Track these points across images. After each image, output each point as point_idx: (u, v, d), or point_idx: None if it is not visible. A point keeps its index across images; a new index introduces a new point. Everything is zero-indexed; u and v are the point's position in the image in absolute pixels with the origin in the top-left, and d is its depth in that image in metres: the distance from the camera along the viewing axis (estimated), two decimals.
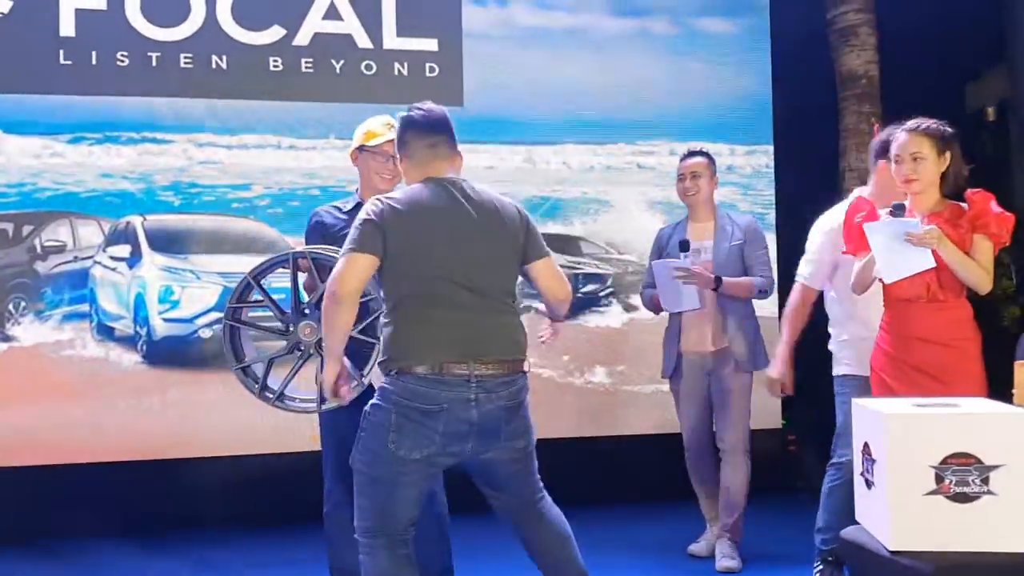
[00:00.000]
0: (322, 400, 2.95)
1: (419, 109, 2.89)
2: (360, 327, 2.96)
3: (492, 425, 2.78)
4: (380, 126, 3.32)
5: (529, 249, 2.86)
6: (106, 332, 4.72)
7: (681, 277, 3.94)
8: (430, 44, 5.03)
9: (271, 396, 3.07)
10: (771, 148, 5.46)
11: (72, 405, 4.61)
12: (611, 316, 5.27)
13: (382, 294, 2.84)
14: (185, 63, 4.76)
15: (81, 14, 4.63)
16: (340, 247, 2.79)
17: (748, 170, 5.40)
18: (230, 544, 4.51)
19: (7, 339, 4.58)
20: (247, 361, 3.11)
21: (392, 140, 3.14)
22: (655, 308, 4.18)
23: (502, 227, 2.82)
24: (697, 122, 5.32)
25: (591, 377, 5.21)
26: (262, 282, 3.13)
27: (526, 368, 2.89)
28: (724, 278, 4.00)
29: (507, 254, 2.84)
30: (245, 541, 4.55)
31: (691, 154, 4.21)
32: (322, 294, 2.99)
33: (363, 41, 4.95)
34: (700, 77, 5.37)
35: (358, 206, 3.11)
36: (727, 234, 4.09)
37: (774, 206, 5.42)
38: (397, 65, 4.99)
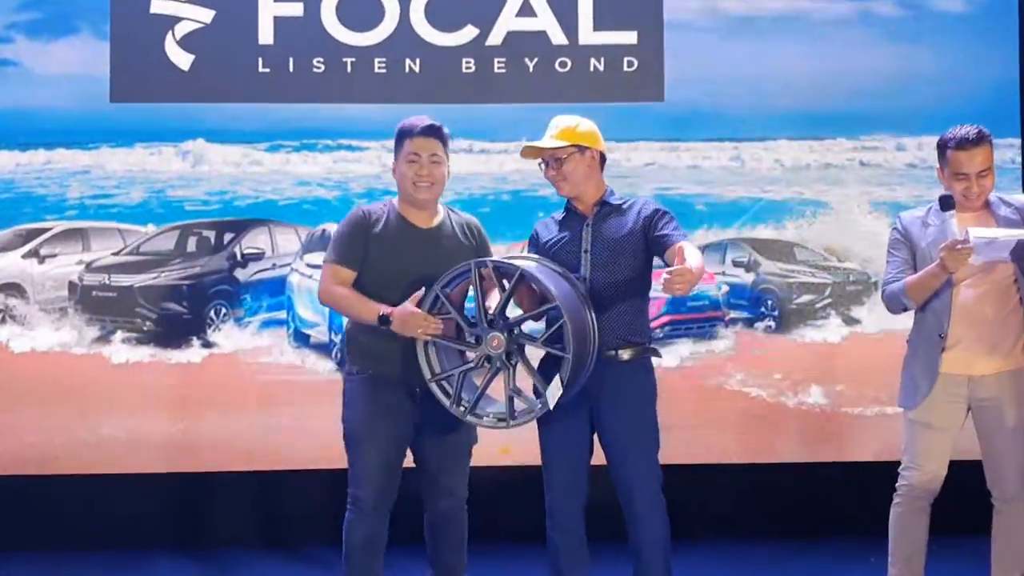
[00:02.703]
0: (512, 416, 2.90)
1: None
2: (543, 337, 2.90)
3: None
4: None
5: None
6: (302, 339, 4.72)
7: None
8: (629, 37, 4.73)
9: (464, 409, 2.98)
10: (1019, 141, 4.80)
11: (269, 412, 4.62)
12: (829, 330, 4.77)
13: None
14: (379, 68, 4.69)
15: (279, 22, 4.65)
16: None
17: None
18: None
19: (208, 345, 4.65)
20: (440, 374, 3.01)
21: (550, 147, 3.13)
22: (900, 306, 3.38)
23: None
24: (928, 114, 4.73)
25: (805, 397, 4.74)
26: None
27: None
28: None
29: None
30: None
31: (975, 140, 3.22)
32: (505, 303, 2.83)
33: (558, 37, 4.71)
34: (931, 63, 4.79)
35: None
36: (1003, 220, 3.27)
37: None
38: (593, 61, 4.72)
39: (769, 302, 4.79)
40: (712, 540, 4.53)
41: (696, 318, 4.77)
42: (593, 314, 2.98)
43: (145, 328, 4.63)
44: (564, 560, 3.14)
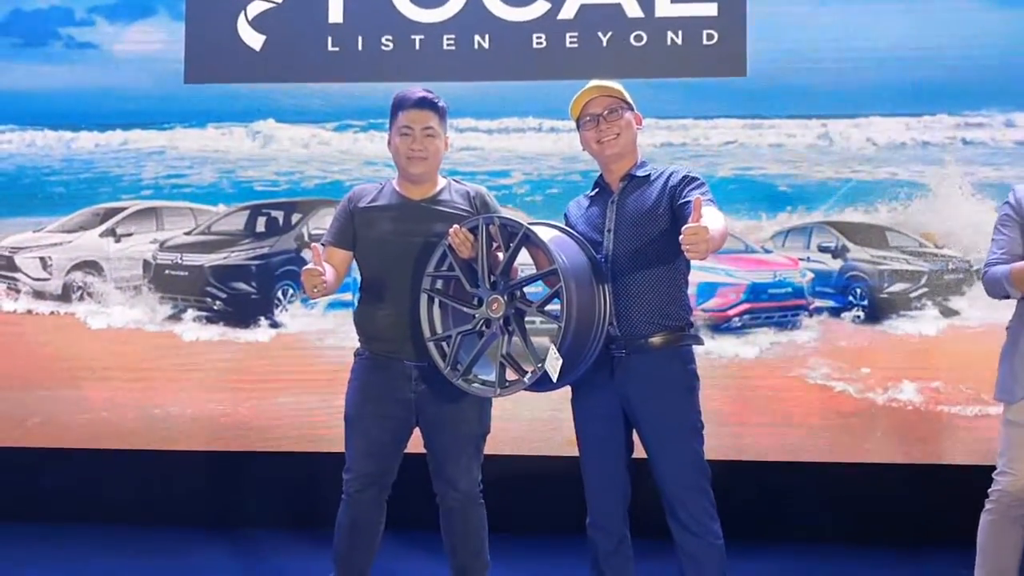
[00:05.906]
0: (503, 384, 2.76)
1: None
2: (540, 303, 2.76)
3: None
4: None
5: None
6: None
7: None
8: (709, 8, 4.48)
9: (458, 373, 2.85)
10: None
11: (334, 393, 4.58)
12: (924, 322, 4.41)
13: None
14: (448, 45, 4.58)
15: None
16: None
17: None
18: None
19: (275, 325, 4.65)
20: (439, 335, 2.90)
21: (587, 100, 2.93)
22: (1001, 292, 3.00)
23: None
24: None
25: (896, 394, 4.39)
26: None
27: None
28: None
29: None
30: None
31: None
32: (507, 264, 2.81)
33: (633, 10, 4.50)
34: None
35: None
36: None
37: None
38: (671, 34, 4.49)
39: (858, 290, 4.46)
40: (789, 545, 4.26)
41: (778, 306, 4.48)
42: (608, 291, 2.80)
43: (215, 307, 4.67)
44: (604, 561, 2.95)
